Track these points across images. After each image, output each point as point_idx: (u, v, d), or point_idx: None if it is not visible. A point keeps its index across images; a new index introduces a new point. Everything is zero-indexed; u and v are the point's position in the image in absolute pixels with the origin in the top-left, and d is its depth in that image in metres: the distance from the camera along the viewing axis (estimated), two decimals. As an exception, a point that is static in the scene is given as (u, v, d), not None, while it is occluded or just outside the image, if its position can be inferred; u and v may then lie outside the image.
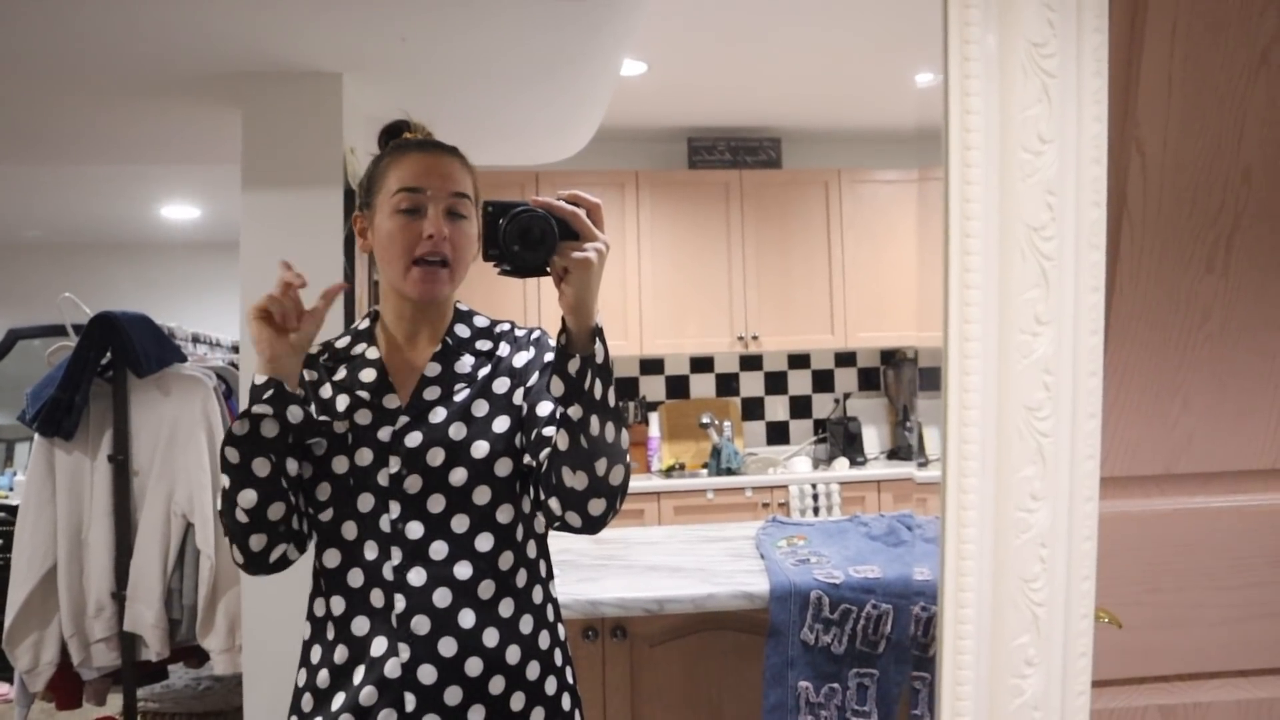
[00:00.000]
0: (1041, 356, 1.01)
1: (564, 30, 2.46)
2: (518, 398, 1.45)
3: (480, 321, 1.54)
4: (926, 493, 4.12)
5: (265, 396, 1.34)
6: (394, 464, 1.39)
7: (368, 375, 1.46)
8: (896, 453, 5.27)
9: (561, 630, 1.50)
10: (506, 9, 2.31)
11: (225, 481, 1.35)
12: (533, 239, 1.26)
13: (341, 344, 1.51)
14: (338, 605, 1.40)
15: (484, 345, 1.50)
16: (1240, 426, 1.36)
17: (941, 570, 0.99)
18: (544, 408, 1.41)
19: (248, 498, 1.34)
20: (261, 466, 1.34)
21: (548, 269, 1.27)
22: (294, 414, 1.35)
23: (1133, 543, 1.32)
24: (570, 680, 1.49)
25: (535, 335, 1.53)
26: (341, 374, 1.47)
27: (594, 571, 2.34)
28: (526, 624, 1.41)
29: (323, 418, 1.42)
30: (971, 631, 0.99)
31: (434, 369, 1.46)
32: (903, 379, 5.29)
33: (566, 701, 1.46)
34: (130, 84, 2.74)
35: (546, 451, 1.36)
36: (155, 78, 2.69)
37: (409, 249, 1.42)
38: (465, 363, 1.47)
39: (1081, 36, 0.99)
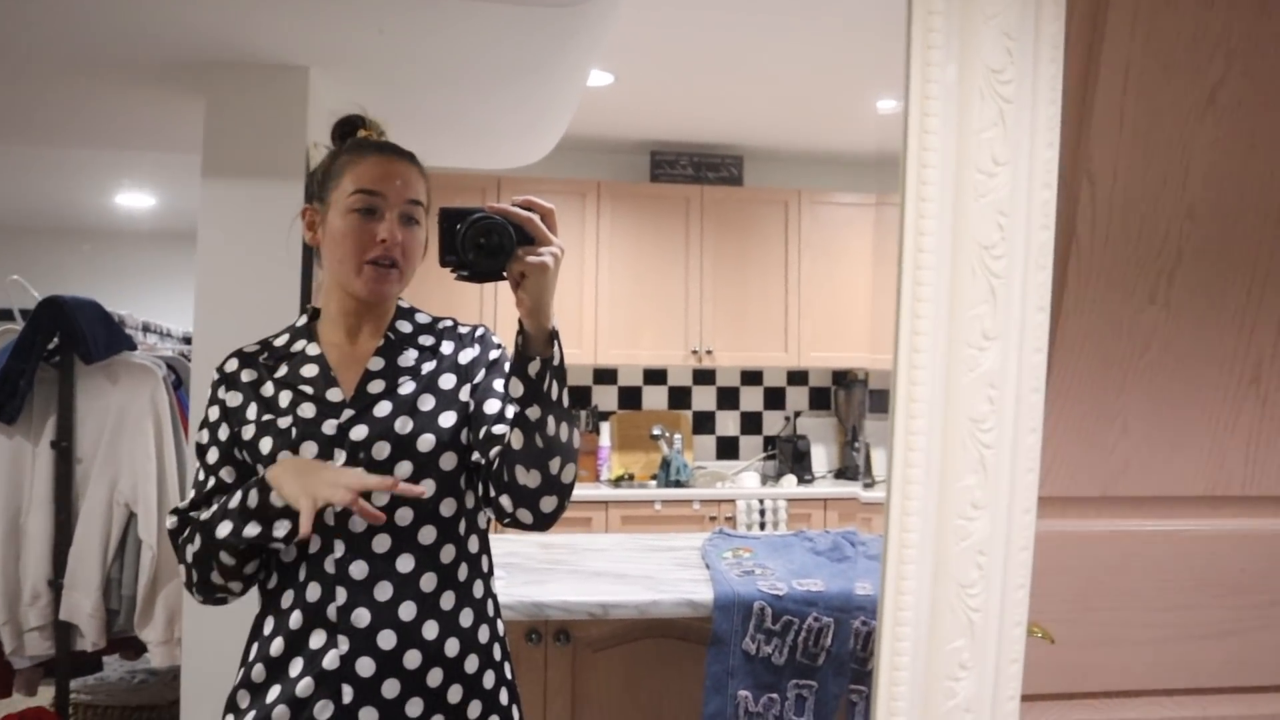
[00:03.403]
0: (987, 371, 1.05)
1: (534, 36, 2.48)
2: (464, 394, 1.47)
3: (422, 318, 1.56)
4: (871, 512, 4.18)
5: (281, 535, 1.34)
6: (339, 457, 1.39)
7: (310, 370, 1.46)
8: (844, 472, 5.33)
9: (500, 626, 1.52)
10: (477, 12, 2.32)
11: (222, 556, 1.38)
12: (490, 245, 1.29)
13: (280, 341, 1.52)
14: (280, 599, 1.41)
15: (426, 340, 1.52)
16: (1175, 454, 1.40)
17: (883, 572, 1.02)
18: (491, 405, 1.44)
19: (227, 568, 1.39)
20: (252, 566, 1.41)
21: (504, 274, 1.30)
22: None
23: (1068, 562, 1.36)
24: (509, 676, 1.51)
25: (479, 332, 1.55)
26: (283, 370, 1.47)
27: (540, 574, 2.35)
28: (466, 617, 1.43)
29: (266, 416, 1.43)
30: (909, 634, 1.02)
31: (377, 363, 1.47)
32: (853, 400, 5.35)
33: (504, 696, 1.48)
34: (91, 66, 2.70)
35: (497, 449, 1.38)
36: (117, 61, 2.66)
37: (362, 250, 1.44)
38: (408, 356, 1.49)
39: (1038, 66, 1.03)
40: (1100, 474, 1.37)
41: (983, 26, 0.99)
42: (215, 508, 1.39)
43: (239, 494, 1.36)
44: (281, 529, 1.33)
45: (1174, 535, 1.40)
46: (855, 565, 2.40)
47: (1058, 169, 1.08)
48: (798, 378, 5.55)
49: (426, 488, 1.41)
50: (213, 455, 1.45)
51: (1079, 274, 1.30)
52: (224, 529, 1.35)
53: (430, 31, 2.43)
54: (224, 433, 1.45)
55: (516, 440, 1.34)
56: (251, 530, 1.33)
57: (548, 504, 1.38)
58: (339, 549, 1.37)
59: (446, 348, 1.51)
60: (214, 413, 1.47)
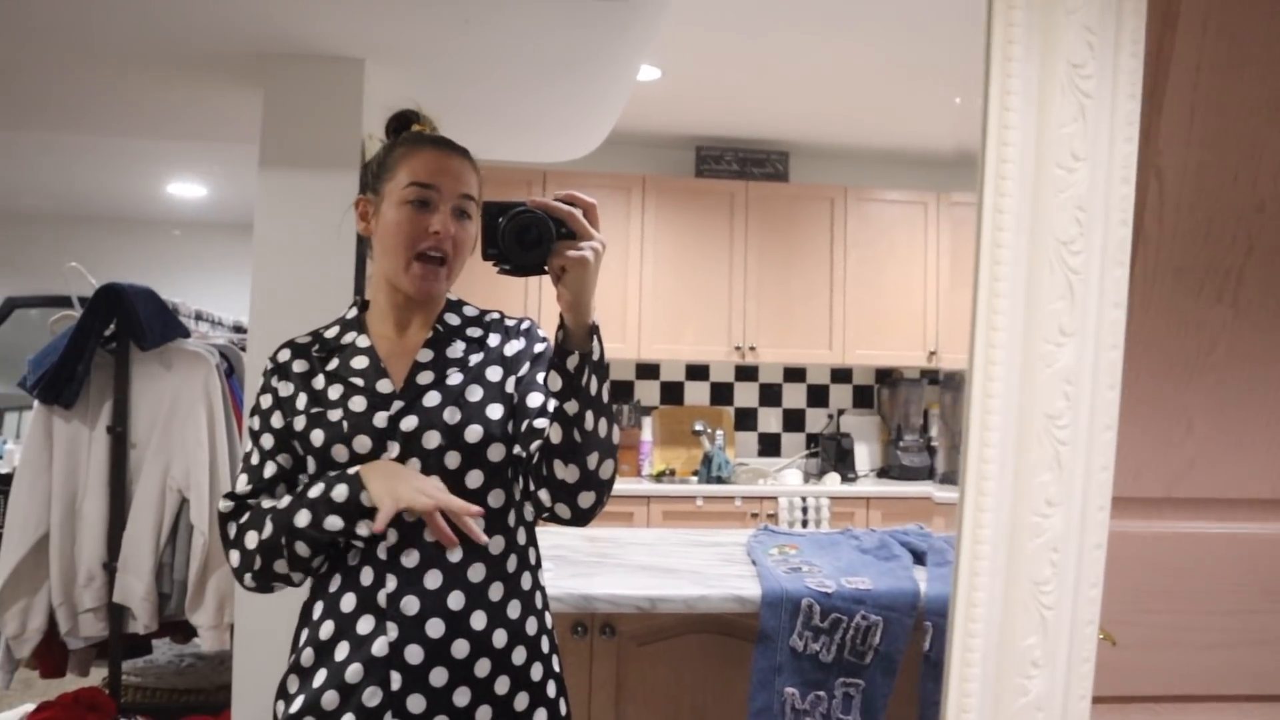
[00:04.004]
0: (1064, 367, 1.05)
1: (589, 29, 2.48)
2: (509, 386, 1.48)
3: (469, 310, 1.57)
4: (942, 512, 4.12)
5: (364, 533, 1.37)
6: (393, 449, 1.41)
7: (360, 362, 1.48)
8: (887, 471, 5.30)
9: (549, 618, 1.52)
10: (532, 5, 2.33)
11: (298, 547, 1.39)
12: (531, 238, 1.30)
13: (331, 333, 1.54)
14: (329, 584, 1.43)
15: (474, 332, 1.53)
16: (1240, 456, 1.38)
17: (956, 568, 1.02)
18: (534, 399, 1.45)
19: (298, 559, 1.40)
20: (321, 559, 1.42)
21: (546, 268, 1.31)
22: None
23: (1130, 563, 1.34)
24: (556, 668, 1.51)
25: (525, 325, 1.57)
26: (334, 364, 1.49)
27: (587, 567, 2.36)
28: (514, 609, 1.44)
29: (316, 409, 1.45)
30: (981, 630, 1.01)
31: (426, 355, 1.49)
32: (897, 398, 5.31)
33: (552, 688, 1.48)
34: (148, 57, 2.74)
35: (537, 443, 1.40)
36: (174, 52, 2.69)
37: (413, 242, 1.45)
38: (456, 348, 1.50)
39: (1119, 61, 1.02)
40: (1164, 475, 1.36)
41: (1064, 21, 0.98)
42: (290, 498, 1.40)
43: (321, 485, 1.38)
44: (365, 527, 1.35)
45: (1237, 538, 1.38)
46: (904, 564, 2.38)
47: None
48: (841, 375, 5.52)
49: (474, 478, 1.43)
50: (268, 441, 1.47)
51: (1145, 271, 1.28)
52: (303, 518, 1.37)
53: (485, 25, 2.44)
54: (278, 420, 1.47)
55: (555, 434, 1.35)
56: (334, 523, 1.35)
57: (585, 499, 1.39)
58: (391, 537, 1.39)
59: (493, 340, 1.53)
60: (266, 400, 1.49)
